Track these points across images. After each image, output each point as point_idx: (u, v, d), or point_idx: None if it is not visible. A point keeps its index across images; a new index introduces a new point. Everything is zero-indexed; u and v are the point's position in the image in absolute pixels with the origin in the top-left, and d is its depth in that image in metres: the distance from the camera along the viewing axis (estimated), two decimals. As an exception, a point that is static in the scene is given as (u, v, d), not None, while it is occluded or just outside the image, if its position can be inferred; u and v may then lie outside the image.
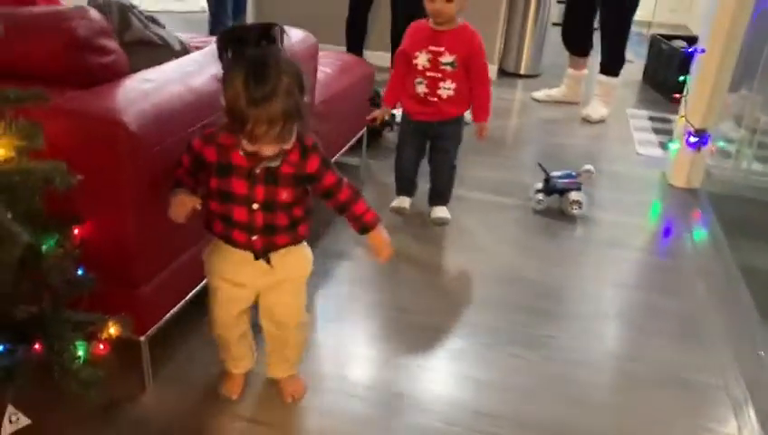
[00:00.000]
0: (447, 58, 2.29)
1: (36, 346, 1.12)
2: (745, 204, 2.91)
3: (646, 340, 1.96)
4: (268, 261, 1.41)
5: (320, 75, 2.38)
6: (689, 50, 2.94)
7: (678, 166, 2.96)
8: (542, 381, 1.75)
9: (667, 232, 2.69)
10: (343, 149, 2.66)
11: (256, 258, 1.41)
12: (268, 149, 1.25)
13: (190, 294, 1.65)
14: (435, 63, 2.31)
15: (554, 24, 4.69)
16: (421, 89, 2.35)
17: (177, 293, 1.62)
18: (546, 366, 1.81)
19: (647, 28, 5.78)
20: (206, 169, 1.36)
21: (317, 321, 1.92)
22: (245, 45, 1.22)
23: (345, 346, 1.85)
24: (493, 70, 4.29)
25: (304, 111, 1.28)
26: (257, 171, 1.32)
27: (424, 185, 2.58)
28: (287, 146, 1.28)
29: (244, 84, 1.19)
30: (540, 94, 4.06)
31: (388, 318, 1.97)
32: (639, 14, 3.82)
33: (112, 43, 1.52)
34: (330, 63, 2.59)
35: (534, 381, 1.75)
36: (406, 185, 2.57)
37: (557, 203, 2.67)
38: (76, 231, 1.35)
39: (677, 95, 2.94)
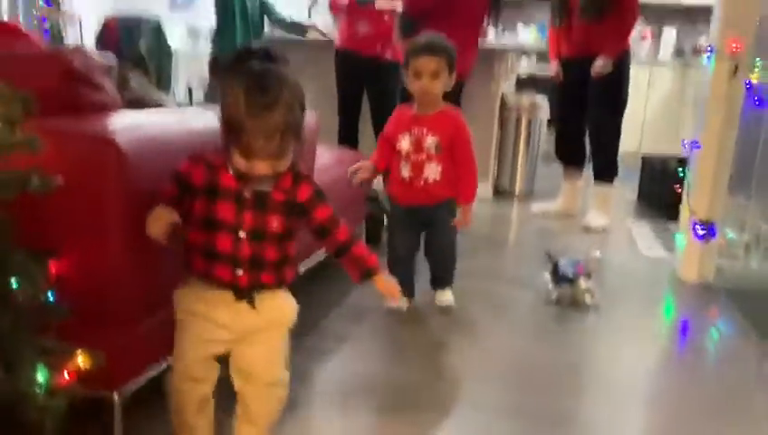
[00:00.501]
0: (430, 140, 2.17)
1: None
2: (764, 300, 2.79)
3: (685, 419, 1.76)
4: (252, 301, 1.26)
5: (317, 163, 2.34)
6: (684, 145, 2.95)
7: (688, 260, 2.86)
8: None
9: (685, 323, 2.54)
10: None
11: (239, 298, 1.25)
12: (261, 167, 1.18)
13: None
14: (417, 146, 2.18)
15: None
16: (406, 172, 2.22)
17: (164, 348, 1.42)
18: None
19: (633, 159, 5.93)
20: (191, 195, 1.25)
21: (315, 397, 1.72)
22: (249, 60, 1.19)
23: (345, 423, 1.63)
24: (488, 189, 4.32)
25: (303, 132, 1.22)
26: (246, 195, 1.23)
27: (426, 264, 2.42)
28: (281, 167, 1.20)
29: (245, 93, 1.15)
30: (537, 207, 4.05)
31: (390, 396, 1.77)
32: (627, 146, 3.87)
33: (108, 82, 1.49)
34: (327, 153, 2.57)
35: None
36: (401, 285, 2.35)
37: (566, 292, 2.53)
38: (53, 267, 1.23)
39: (678, 188, 2.91)
